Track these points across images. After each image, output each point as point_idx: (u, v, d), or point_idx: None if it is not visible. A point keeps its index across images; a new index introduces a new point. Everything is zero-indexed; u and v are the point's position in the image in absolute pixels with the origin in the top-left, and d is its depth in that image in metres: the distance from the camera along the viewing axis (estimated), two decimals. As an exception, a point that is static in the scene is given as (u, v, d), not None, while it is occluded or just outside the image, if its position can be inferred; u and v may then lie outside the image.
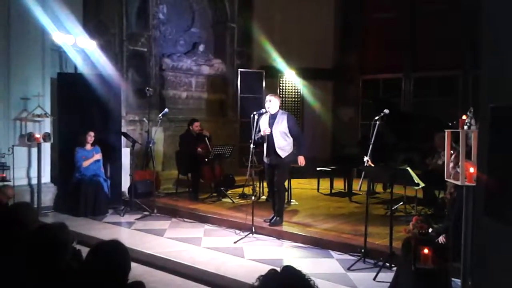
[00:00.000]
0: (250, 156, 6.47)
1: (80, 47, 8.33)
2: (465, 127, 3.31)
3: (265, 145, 6.56)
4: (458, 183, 3.32)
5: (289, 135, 6.49)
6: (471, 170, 3.21)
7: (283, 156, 6.46)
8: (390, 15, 11.37)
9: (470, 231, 3.27)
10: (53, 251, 2.51)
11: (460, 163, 3.24)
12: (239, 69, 10.89)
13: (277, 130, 6.47)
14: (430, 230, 4.26)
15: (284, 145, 6.47)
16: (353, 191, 8.45)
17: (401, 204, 7.20)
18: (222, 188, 8.53)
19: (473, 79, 9.93)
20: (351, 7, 11.95)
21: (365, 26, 11.87)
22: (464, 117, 3.35)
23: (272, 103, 6.50)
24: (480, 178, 2.09)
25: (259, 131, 6.55)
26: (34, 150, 7.55)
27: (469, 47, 9.33)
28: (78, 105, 7.91)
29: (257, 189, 8.36)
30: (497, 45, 1.97)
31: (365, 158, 5.34)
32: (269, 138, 6.50)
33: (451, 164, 3.74)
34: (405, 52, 11.17)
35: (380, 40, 11.57)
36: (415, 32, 11.06)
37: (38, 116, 7.56)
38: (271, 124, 6.51)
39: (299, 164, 6.67)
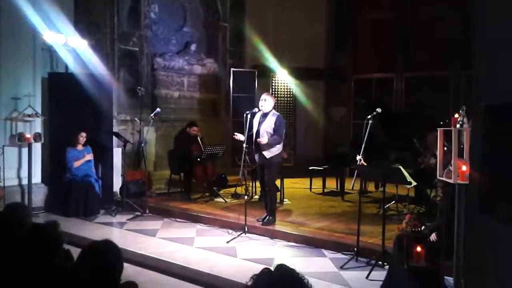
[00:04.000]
0: (243, 156, 6.45)
1: (71, 46, 8.26)
2: (458, 126, 3.32)
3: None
4: (451, 181, 3.33)
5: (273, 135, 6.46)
6: (464, 168, 3.22)
7: (267, 157, 6.44)
8: (382, 15, 11.41)
9: (463, 229, 3.28)
10: (47, 250, 2.49)
11: (452, 162, 3.25)
12: (231, 69, 10.86)
13: (263, 129, 6.46)
14: (422, 228, 4.27)
15: (269, 145, 6.44)
16: (346, 190, 8.47)
17: (393, 203, 7.23)
18: (214, 188, 8.51)
19: (465, 78, 9.98)
20: (344, 6, 11.97)
21: (357, 25, 11.89)
22: (456, 115, 3.36)
23: (266, 102, 6.51)
24: (473, 176, 2.09)
25: (252, 130, 6.55)
26: (25, 150, 7.48)
27: (461, 46, 9.37)
28: (69, 105, 7.85)
29: (250, 188, 8.35)
30: (490, 43, 1.98)
31: (358, 157, 5.36)
32: (257, 137, 6.47)
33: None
34: (397, 51, 11.21)
35: (372, 40, 11.60)
36: (407, 32, 11.10)
37: (29, 116, 7.50)
38: (261, 123, 6.52)
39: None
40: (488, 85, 2.02)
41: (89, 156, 7.78)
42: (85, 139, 7.74)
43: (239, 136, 6.54)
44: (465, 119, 3.27)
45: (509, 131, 1.81)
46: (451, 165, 3.28)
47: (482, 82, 2.08)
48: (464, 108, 3.29)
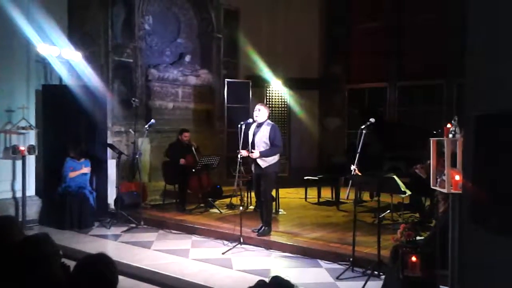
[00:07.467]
0: (238, 166, 6.45)
1: (65, 58, 8.27)
2: (450, 136, 3.35)
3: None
4: (444, 190, 3.35)
5: (269, 144, 6.47)
6: (457, 177, 3.24)
7: (263, 167, 6.45)
8: (375, 25, 11.50)
9: (457, 239, 3.29)
10: (37, 263, 2.47)
11: (446, 171, 3.27)
12: (225, 79, 10.90)
13: (259, 140, 6.48)
14: (417, 237, 4.28)
15: (264, 155, 6.44)
16: (341, 200, 8.48)
17: (388, 212, 7.23)
18: (209, 199, 8.49)
19: (457, 87, 10.06)
20: (337, 17, 12.07)
21: (350, 36, 11.99)
22: (449, 125, 3.38)
23: (261, 113, 6.53)
24: (466, 186, 2.11)
25: (247, 140, 6.56)
26: (19, 163, 7.44)
27: (453, 56, 9.45)
28: (63, 117, 7.84)
29: (245, 199, 8.33)
30: (481, 53, 2.00)
31: (352, 167, 5.37)
32: (253, 148, 6.48)
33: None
34: (390, 61, 11.29)
35: (365, 50, 11.68)
36: (400, 42, 11.19)
37: (23, 128, 7.46)
38: (255, 133, 6.54)
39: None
40: (479, 94, 2.04)
41: (86, 170, 7.75)
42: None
43: (243, 153, 6.47)
44: (457, 129, 3.30)
45: (499, 141, 1.83)
46: (444, 175, 3.30)
47: (474, 91, 2.10)
48: (456, 118, 3.32)
